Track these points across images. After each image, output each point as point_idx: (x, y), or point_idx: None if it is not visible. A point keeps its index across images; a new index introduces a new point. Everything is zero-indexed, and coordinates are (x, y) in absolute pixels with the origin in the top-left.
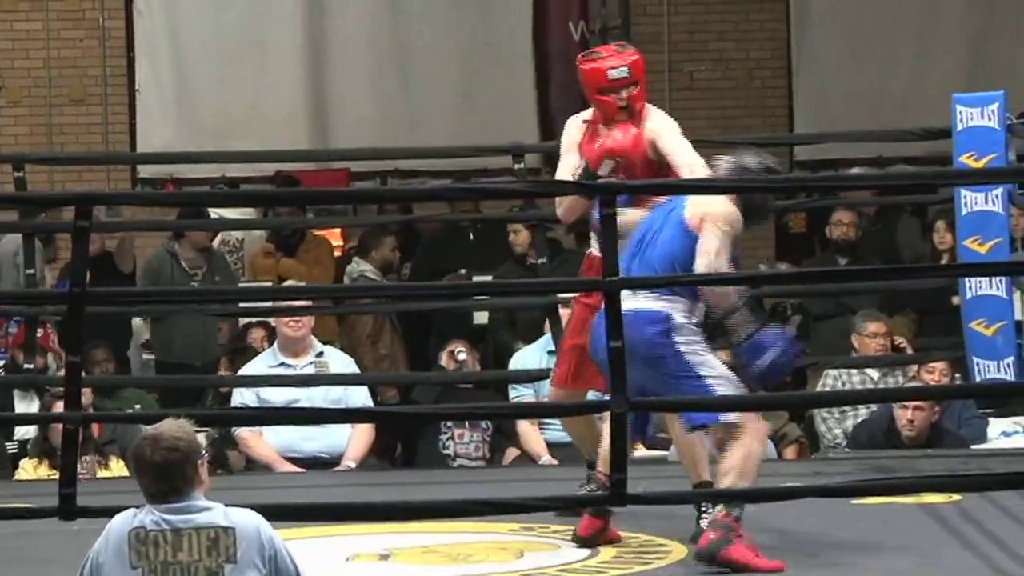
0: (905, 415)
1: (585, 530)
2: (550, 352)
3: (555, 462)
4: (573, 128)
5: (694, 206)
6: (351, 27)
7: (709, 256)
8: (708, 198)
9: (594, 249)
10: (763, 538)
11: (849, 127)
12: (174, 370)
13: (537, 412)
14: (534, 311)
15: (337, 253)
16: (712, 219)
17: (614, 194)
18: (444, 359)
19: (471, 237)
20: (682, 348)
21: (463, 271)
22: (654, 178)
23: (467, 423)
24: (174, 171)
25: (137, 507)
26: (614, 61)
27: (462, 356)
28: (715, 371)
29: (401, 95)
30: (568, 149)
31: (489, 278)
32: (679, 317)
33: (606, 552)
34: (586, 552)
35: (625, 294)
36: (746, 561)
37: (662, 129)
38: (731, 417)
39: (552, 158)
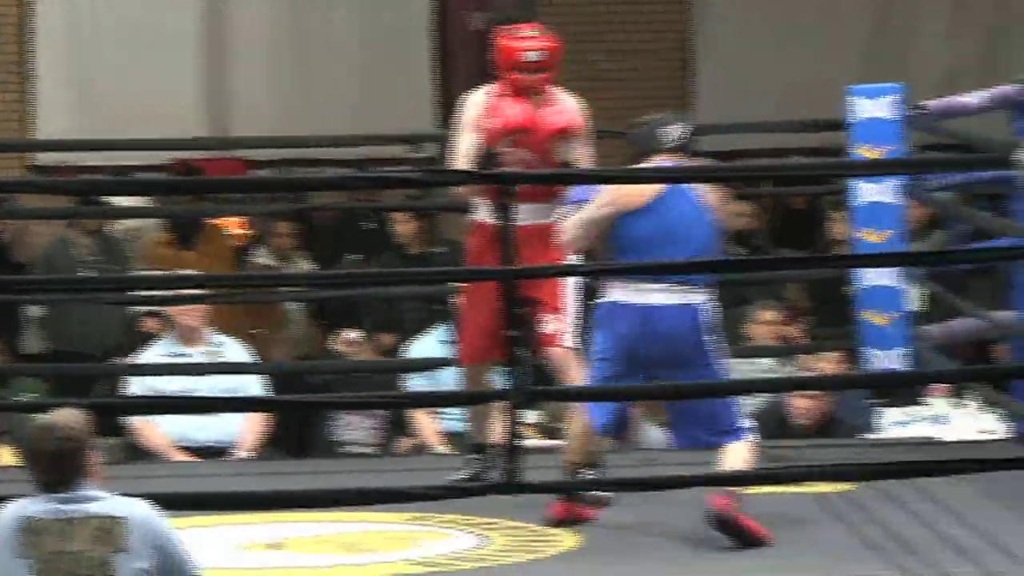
0: (798, 404)
1: (563, 512)
2: (445, 340)
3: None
4: (471, 105)
5: None
6: (250, 15)
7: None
8: None
9: (482, 216)
10: (654, 527)
11: (749, 118)
12: (69, 359)
13: (432, 401)
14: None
15: (238, 243)
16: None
17: (514, 182)
18: (338, 344)
19: (370, 226)
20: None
21: (357, 258)
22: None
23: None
24: (73, 159)
25: (28, 496)
26: (532, 43)
27: (352, 336)
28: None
29: (300, 84)
30: (465, 127)
31: None
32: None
33: (498, 541)
34: (479, 541)
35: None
36: (753, 529)
37: (574, 125)
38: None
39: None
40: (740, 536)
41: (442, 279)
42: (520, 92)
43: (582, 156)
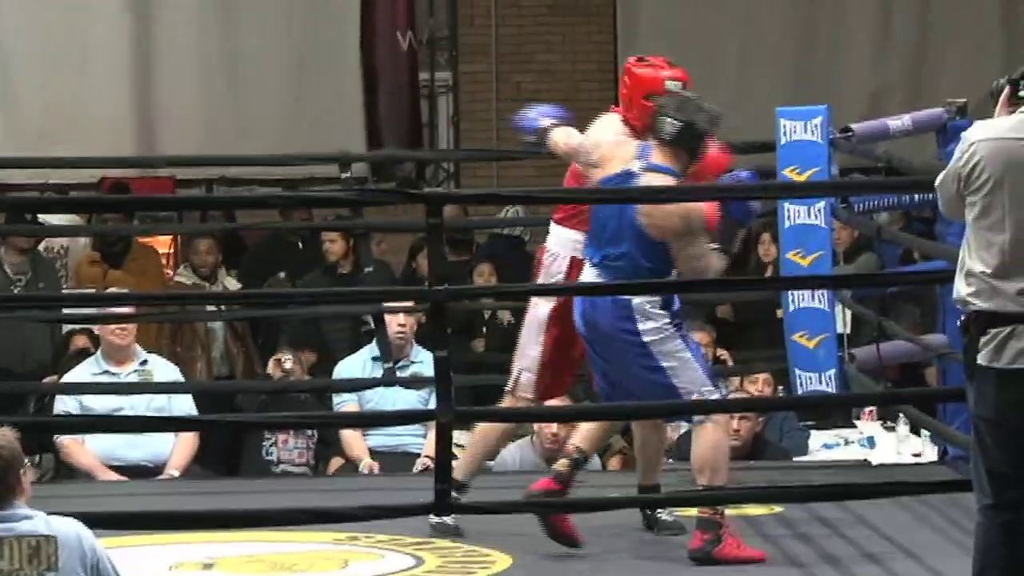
0: (730, 425)
1: (694, 542)
2: (375, 359)
3: (374, 467)
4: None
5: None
6: (178, 33)
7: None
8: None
9: (548, 244)
10: (588, 548)
11: None
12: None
13: (362, 422)
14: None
15: (165, 262)
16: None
17: (442, 203)
18: (271, 367)
19: (300, 246)
20: (647, 338)
21: (282, 275)
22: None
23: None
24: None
25: None
26: (674, 72)
27: (288, 365)
28: (681, 363)
29: (229, 102)
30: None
31: None
32: (644, 303)
33: (430, 562)
34: (411, 561)
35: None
36: (736, 557)
37: None
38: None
39: (377, 167)
40: (550, 527)
41: (368, 299)
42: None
43: None
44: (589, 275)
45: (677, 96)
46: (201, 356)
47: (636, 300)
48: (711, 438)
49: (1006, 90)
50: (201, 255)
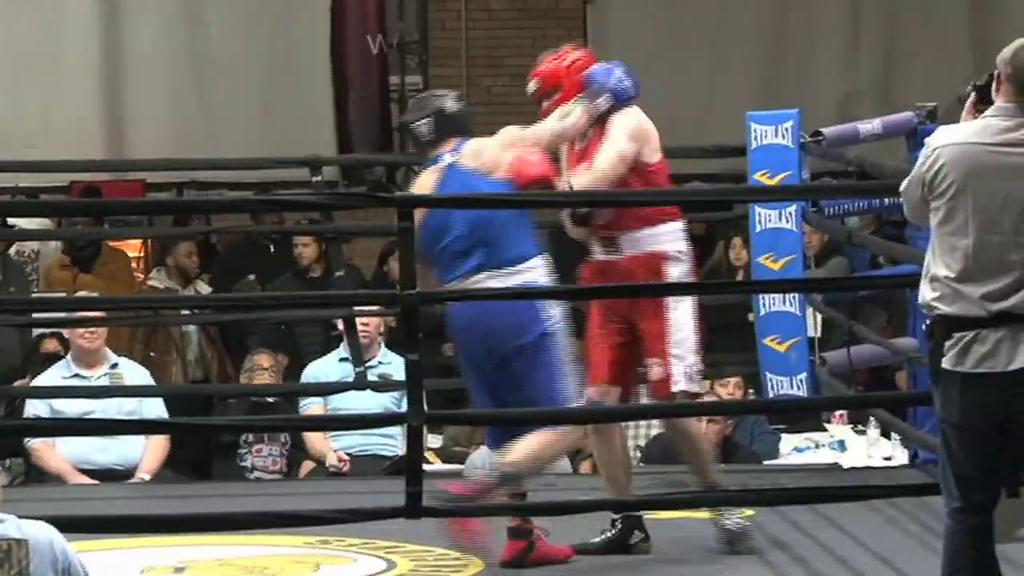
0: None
1: (508, 552)
2: (342, 360)
3: (345, 459)
4: None
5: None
6: (147, 37)
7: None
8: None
9: (597, 254)
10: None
11: None
12: None
13: (333, 425)
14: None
15: (136, 265)
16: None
17: (411, 207)
18: (248, 372)
19: (271, 249)
20: (548, 341)
21: (251, 277)
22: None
23: (266, 437)
24: None
25: None
26: (536, 71)
27: (266, 363)
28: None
29: (198, 106)
30: None
31: None
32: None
33: (402, 565)
34: (383, 565)
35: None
36: (550, 557)
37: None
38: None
39: (348, 171)
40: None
41: (340, 303)
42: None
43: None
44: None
45: (416, 101)
46: (176, 360)
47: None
48: (548, 439)
49: (972, 96)
50: (182, 258)
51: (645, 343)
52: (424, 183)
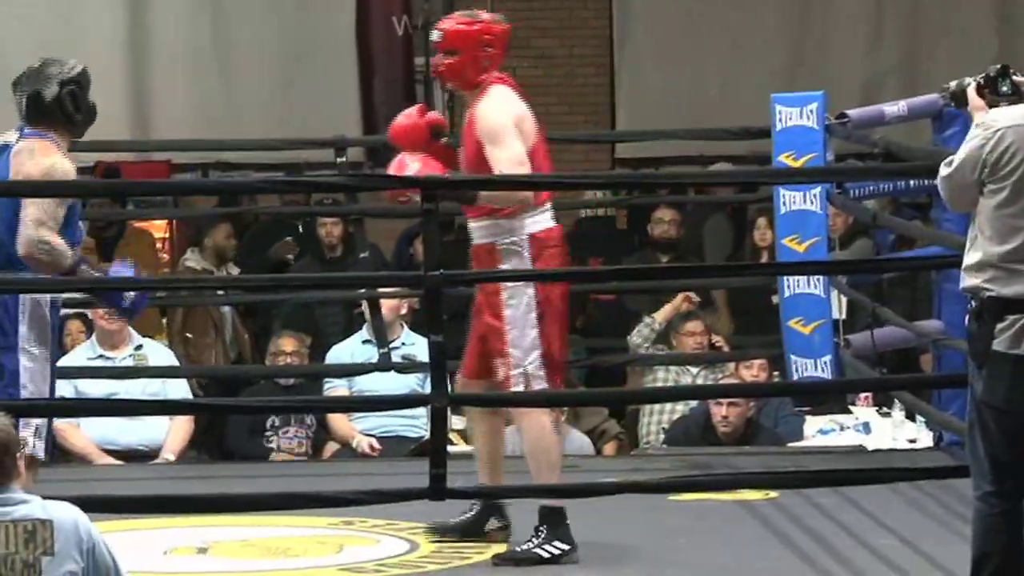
0: (720, 411)
1: None
2: (365, 342)
3: (377, 447)
4: None
5: (19, 166)
6: (172, 18)
7: (29, 229)
8: (35, 157)
9: (476, 238)
10: (579, 533)
11: (670, 125)
12: None
13: (357, 406)
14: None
15: (160, 246)
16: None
17: (434, 188)
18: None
19: (299, 230)
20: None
21: (289, 239)
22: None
23: (292, 419)
24: None
25: None
26: (441, 23)
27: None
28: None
29: (223, 87)
30: None
31: None
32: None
33: (425, 546)
34: (406, 546)
35: None
36: None
37: (478, 128)
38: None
39: (374, 152)
40: None
41: (364, 284)
42: (442, 83)
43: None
44: None
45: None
46: (217, 341)
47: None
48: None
49: (971, 87)
50: (221, 240)
51: (489, 339)
52: None
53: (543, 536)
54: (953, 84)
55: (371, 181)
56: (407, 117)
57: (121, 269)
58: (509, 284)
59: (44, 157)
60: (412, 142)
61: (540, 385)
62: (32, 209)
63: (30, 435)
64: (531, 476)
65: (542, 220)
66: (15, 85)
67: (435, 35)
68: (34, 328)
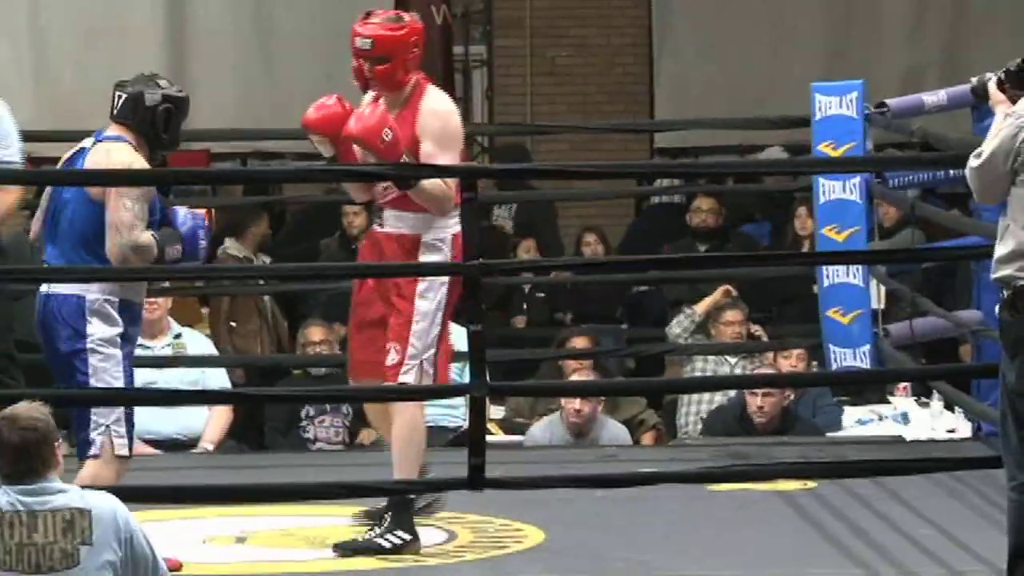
0: (755, 401)
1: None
2: None
3: None
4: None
5: (97, 166)
6: (213, 7)
7: (121, 234)
8: (111, 156)
9: (376, 226)
10: (616, 524)
11: (709, 114)
12: (30, 350)
13: (395, 396)
14: None
15: None
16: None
17: (475, 178)
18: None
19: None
20: (89, 343)
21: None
22: None
23: (328, 408)
24: (32, 150)
25: None
26: (365, 29)
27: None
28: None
29: (264, 78)
30: None
31: None
32: (95, 301)
33: (463, 536)
34: (444, 536)
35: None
36: None
37: (426, 125)
38: (95, 450)
39: None
40: None
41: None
42: (363, 82)
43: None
44: None
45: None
46: (260, 329)
47: (91, 296)
48: (91, 473)
49: (992, 82)
50: (262, 228)
51: (389, 323)
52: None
53: (386, 525)
54: (975, 80)
55: (408, 170)
56: (328, 106)
57: (191, 219)
58: (428, 277)
59: (122, 155)
60: (333, 130)
61: (428, 381)
62: (122, 214)
63: (100, 435)
64: (401, 466)
65: (457, 222)
66: (121, 84)
67: (362, 43)
68: (103, 327)
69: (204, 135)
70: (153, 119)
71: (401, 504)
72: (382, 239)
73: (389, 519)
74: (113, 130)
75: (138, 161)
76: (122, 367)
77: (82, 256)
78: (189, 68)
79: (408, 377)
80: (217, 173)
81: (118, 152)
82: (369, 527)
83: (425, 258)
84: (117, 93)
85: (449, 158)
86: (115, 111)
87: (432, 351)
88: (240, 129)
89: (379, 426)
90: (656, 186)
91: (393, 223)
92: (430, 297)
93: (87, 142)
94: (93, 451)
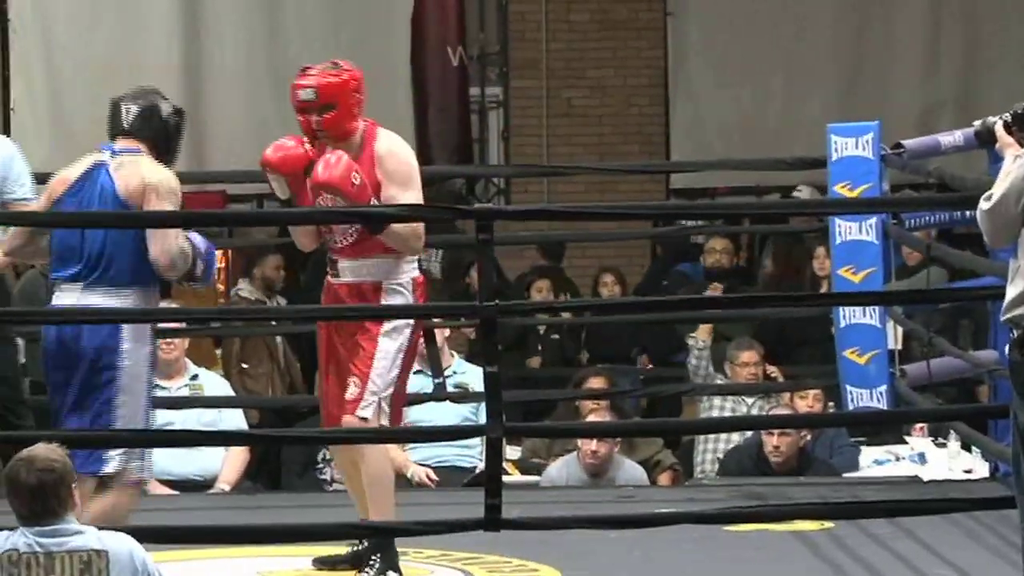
0: (771, 441)
1: None
2: (416, 372)
3: (435, 477)
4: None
5: (130, 178)
6: (228, 48)
7: (168, 237)
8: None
9: (331, 278)
10: (633, 564)
11: (725, 155)
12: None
13: (412, 437)
14: None
15: (218, 277)
16: (158, 193)
17: (491, 218)
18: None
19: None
20: (122, 363)
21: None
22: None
23: None
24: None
25: (9, 529)
26: (306, 80)
27: None
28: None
29: (278, 118)
30: None
31: None
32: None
33: None
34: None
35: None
36: None
37: (386, 167)
38: (110, 468)
39: (427, 182)
40: None
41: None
42: (311, 135)
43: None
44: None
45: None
46: (272, 370)
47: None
48: (111, 500)
49: (998, 125)
50: (269, 271)
51: (351, 360)
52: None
53: (376, 567)
54: (978, 123)
55: (424, 211)
56: (288, 147)
57: (204, 243)
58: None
59: (157, 166)
60: (292, 170)
61: (384, 421)
62: None
63: (120, 458)
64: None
65: (415, 267)
66: (121, 98)
67: (305, 94)
68: (132, 361)
69: (220, 177)
70: (167, 130)
71: (384, 544)
72: (339, 290)
73: (379, 560)
74: (124, 143)
75: (171, 172)
76: (143, 405)
77: (117, 275)
78: (204, 109)
79: (366, 412)
80: (233, 216)
81: (149, 163)
82: (359, 569)
83: (388, 301)
84: (125, 107)
85: (414, 196)
86: (126, 124)
87: (390, 391)
88: (255, 171)
89: (343, 466)
90: (675, 226)
91: (349, 274)
92: (394, 337)
93: (101, 156)
94: (106, 469)
